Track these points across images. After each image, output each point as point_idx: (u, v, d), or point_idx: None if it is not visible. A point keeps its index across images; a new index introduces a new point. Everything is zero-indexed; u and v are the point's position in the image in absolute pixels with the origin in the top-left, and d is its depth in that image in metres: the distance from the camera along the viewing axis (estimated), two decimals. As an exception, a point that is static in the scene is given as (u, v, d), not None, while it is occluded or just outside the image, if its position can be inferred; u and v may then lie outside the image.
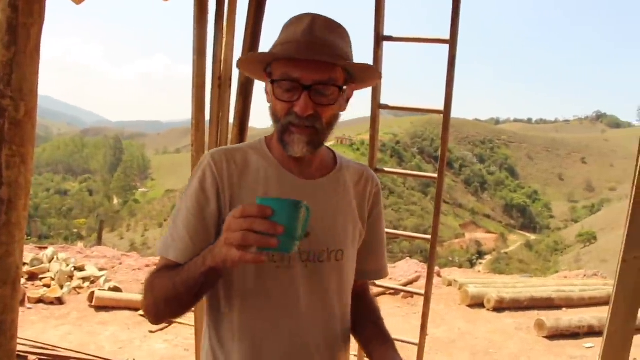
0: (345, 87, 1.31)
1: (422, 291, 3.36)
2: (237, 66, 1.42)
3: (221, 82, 3.01)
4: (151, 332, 5.73)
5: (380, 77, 1.43)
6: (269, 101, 1.32)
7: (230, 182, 1.34)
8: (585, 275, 11.00)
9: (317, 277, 1.37)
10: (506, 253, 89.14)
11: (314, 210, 1.32)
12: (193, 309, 3.06)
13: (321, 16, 1.30)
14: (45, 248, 8.69)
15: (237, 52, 2.97)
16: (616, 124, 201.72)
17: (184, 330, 5.71)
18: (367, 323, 1.51)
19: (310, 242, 1.34)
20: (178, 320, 5.92)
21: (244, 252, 1.04)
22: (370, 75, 1.37)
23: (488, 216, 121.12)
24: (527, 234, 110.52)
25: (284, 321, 1.34)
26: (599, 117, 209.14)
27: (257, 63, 1.36)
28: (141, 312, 6.12)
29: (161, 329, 5.79)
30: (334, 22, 1.31)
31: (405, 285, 7.89)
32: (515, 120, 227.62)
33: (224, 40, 2.97)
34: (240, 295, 1.34)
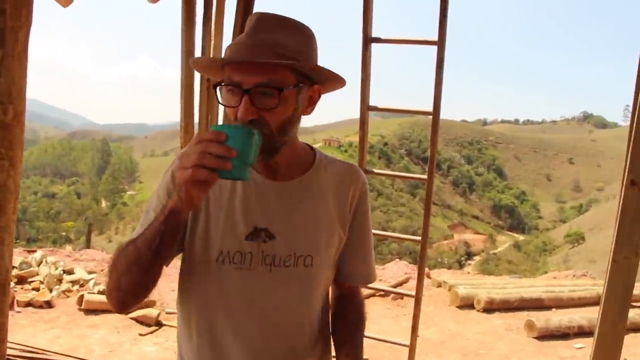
0: (298, 87, 1.23)
1: (413, 292, 3.36)
2: (193, 68, 1.41)
3: (210, 84, 3.00)
4: (141, 335, 5.69)
5: (337, 78, 1.31)
6: None
7: None
8: (574, 276, 11.06)
9: (282, 282, 1.32)
10: (495, 254, 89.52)
11: (279, 213, 1.33)
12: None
13: (269, 14, 1.25)
14: (34, 251, 8.61)
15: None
16: (603, 124, 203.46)
17: (175, 333, 5.67)
18: (342, 329, 1.51)
19: (275, 245, 1.31)
20: (169, 323, 5.90)
21: (196, 169, 1.02)
22: (325, 76, 1.29)
23: (476, 217, 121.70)
24: (516, 235, 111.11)
25: (244, 326, 1.32)
26: (586, 117, 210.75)
27: (214, 67, 1.33)
28: (131, 315, 6.09)
29: (151, 332, 5.75)
30: (284, 20, 1.25)
31: (395, 286, 7.88)
32: (503, 121, 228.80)
33: (212, 41, 2.97)
34: (200, 298, 1.33)
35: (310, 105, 1.31)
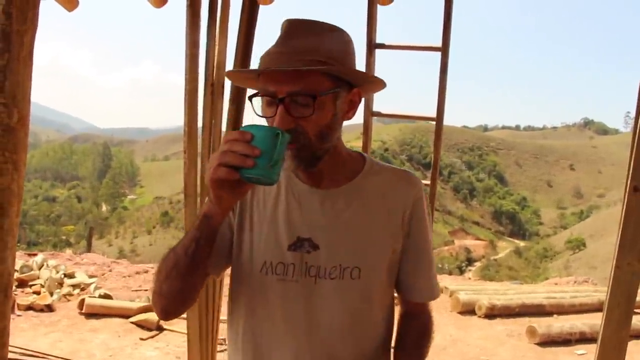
0: (335, 92, 1.20)
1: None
2: (229, 79, 1.42)
3: (214, 89, 3.00)
4: (142, 339, 5.69)
5: (375, 80, 1.29)
6: None
7: None
8: (575, 282, 11.04)
9: (327, 295, 1.26)
10: (495, 260, 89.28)
11: (323, 222, 1.28)
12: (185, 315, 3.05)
13: (300, 20, 1.22)
14: (35, 255, 8.63)
15: (230, 58, 2.97)
16: (604, 130, 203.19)
17: (176, 337, 5.68)
18: (402, 346, 1.42)
19: (319, 256, 1.26)
20: (169, 327, 5.89)
21: (217, 168, 1.03)
22: (363, 79, 1.27)
23: (477, 223, 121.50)
24: (517, 241, 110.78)
25: (288, 339, 1.27)
26: (587, 123, 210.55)
27: (248, 79, 1.33)
28: (132, 319, 6.09)
29: (152, 337, 5.75)
30: (315, 25, 1.21)
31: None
32: (504, 127, 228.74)
33: (217, 45, 2.97)
34: (245, 309, 1.31)
35: (351, 109, 1.27)
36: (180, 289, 1.21)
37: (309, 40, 1.18)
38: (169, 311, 1.28)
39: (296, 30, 1.20)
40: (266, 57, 1.19)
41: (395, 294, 1.43)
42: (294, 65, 1.14)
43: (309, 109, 1.16)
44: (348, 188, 1.31)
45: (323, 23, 1.23)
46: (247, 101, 3.03)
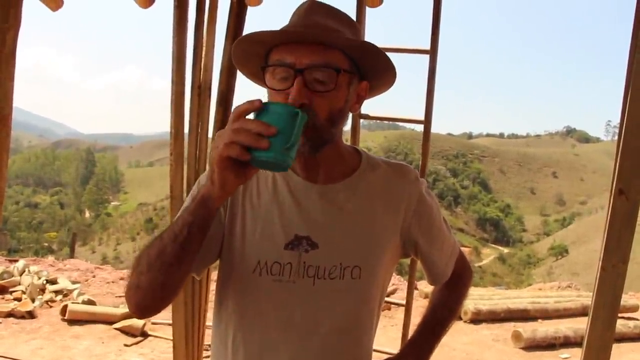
0: (351, 74, 1.16)
1: (403, 302, 3.36)
2: (234, 60, 1.25)
3: (201, 91, 2.99)
4: (126, 345, 5.63)
5: (389, 70, 1.21)
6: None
7: None
8: (559, 287, 11.14)
9: (326, 296, 1.19)
10: (480, 267, 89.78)
11: (322, 219, 1.21)
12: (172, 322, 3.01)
13: (321, 2, 1.19)
14: (16, 261, 8.51)
15: (217, 60, 2.96)
16: (586, 139, 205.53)
17: (161, 343, 5.62)
18: (438, 294, 1.48)
19: (319, 255, 1.19)
20: (154, 333, 5.84)
21: (228, 145, 0.93)
22: (375, 68, 1.19)
23: (462, 230, 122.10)
24: (500, 248, 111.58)
25: (282, 344, 1.19)
26: (569, 132, 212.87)
27: (253, 58, 1.21)
28: (116, 325, 6.02)
29: (137, 343, 5.69)
30: (334, 9, 1.18)
31: (382, 297, 7.89)
32: (488, 135, 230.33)
33: (204, 48, 2.95)
34: (235, 312, 1.22)
35: (357, 102, 1.23)
36: (162, 283, 1.08)
37: (330, 21, 1.15)
38: (147, 307, 1.14)
39: (317, 10, 1.17)
40: (287, 31, 1.13)
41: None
42: (319, 37, 1.10)
43: (330, 84, 1.11)
44: (346, 183, 1.25)
45: (340, 10, 1.20)
46: (233, 104, 3.03)
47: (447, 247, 1.39)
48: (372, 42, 1.15)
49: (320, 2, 1.19)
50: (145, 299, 1.13)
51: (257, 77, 1.24)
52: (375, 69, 1.20)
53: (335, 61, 1.11)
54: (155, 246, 1.07)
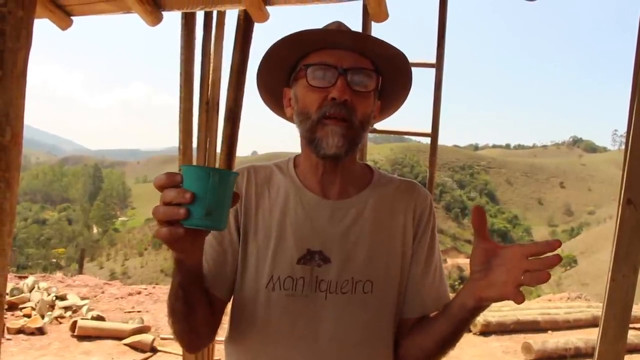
0: (376, 82, 1.21)
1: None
2: (262, 68, 1.26)
3: (209, 107, 3.01)
4: (135, 362, 5.62)
5: (409, 87, 1.30)
6: (290, 113, 1.26)
7: (247, 202, 1.25)
8: (569, 298, 11.04)
9: (338, 311, 1.19)
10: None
11: (334, 234, 1.22)
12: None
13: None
14: (26, 277, 8.52)
15: (225, 76, 2.98)
16: (592, 148, 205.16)
17: (170, 358, 5.61)
18: (423, 330, 1.25)
19: (331, 270, 1.20)
20: (163, 349, 5.83)
21: (159, 229, 0.92)
22: (400, 80, 1.27)
23: (469, 242, 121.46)
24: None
25: (297, 357, 1.19)
26: (576, 142, 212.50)
27: (279, 72, 1.27)
28: (126, 340, 6.02)
29: (146, 358, 5.68)
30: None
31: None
32: (494, 146, 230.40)
33: (212, 64, 2.98)
34: (248, 329, 1.22)
35: (375, 117, 1.27)
36: (190, 329, 1.16)
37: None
38: (193, 346, 1.24)
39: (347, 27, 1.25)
40: (318, 33, 1.19)
41: None
42: (369, 41, 1.18)
43: (366, 87, 1.18)
44: (358, 199, 1.26)
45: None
46: (241, 120, 3.05)
47: (441, 273, 1.33)
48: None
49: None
50: (189, 341, 1.21)
51: (273, 92, 1.31)
52: (392, 87, 1.28)
53: (369, 68, 1.20)
54: (169, 303, 1.14)
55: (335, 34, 1.17)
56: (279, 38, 1.21)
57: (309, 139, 1.19)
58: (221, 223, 0.93)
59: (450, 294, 1.27)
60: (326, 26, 1.25)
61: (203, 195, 0.90)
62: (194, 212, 0.90)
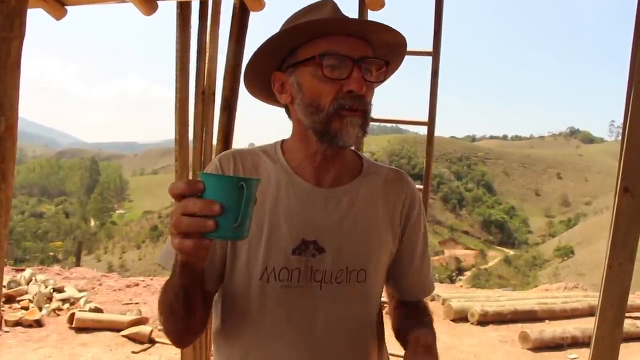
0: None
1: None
2: (262, 50, 1.17)
3: (205, 97, 3.00)
4: (134, 352, 5.62)
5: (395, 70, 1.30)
6: (287, 100, 1.20)
7: None
8: (566, 288, 11.10)
9: (333, 300, 1.18)
10: (485, 269, 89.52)
11: (328, 223, 1.20)
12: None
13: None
14: (23, 270, 8.52)
15: (221, 66, 2.96)
16: (589, 139, 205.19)
17: (168, 350, 5.61)
18: (407, 317, 1.32)
19: (325, 260, 1.18)
20: (162, 340, 5.83)
21: (182, 239, 0.88)
22: (393, 65, 1.25)
23: (467, 233, 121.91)
24: (506, 250, 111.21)
25: (290, 351, 1.18)
26: (573, 133, 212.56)
27: (271, 56, 1.19)
28: (124, 332, 6.02)
29: (144, 350, 5.68)
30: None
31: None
32: (491, 137, 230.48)
33: (207, 54, 2.97)
34: (240, 322, 1.20)
35: None
36: (184, 328, 1.15)
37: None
38: (182, 342, 1.24)
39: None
40: (324, 22, 1.12)
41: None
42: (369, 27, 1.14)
43: (382, 74, 1.17)
44: (350, 187, 1.24)
45: None
46: (237, 110, 3.04)
47: (426, 260, 1.37)
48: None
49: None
50: (180, 338, 1.21)
51: (263, 76, 1.24)
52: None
53: (380, 57, 1.17)
54: (165, 301, 1.13)
55: (349, 21, 1.13)
56: (285, 26, 1.18)
57: (322, 131, 1.14)
58: (247, 232, 0.91)
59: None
60: (315, 4, 1.21)
61: (232, 205, 0.87)
62: (222, 223, 0.87)
